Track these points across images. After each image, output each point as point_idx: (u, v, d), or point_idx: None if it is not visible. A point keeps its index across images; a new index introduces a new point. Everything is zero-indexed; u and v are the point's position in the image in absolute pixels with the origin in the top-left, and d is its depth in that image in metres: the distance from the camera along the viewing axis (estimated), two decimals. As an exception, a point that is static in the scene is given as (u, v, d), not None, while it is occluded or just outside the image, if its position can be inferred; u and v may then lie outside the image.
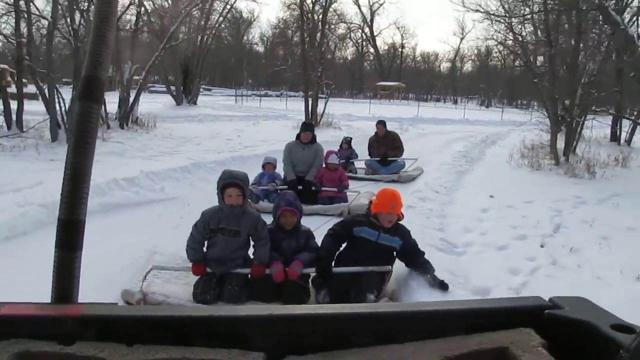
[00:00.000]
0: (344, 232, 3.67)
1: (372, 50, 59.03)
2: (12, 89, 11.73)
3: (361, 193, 6.45)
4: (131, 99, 13.04)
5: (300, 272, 3.48)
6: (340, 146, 9.12)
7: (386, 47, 60.08)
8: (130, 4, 14.94)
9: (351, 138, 9.41)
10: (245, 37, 51.44)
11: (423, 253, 3.72)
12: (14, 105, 10.31)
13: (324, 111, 16.45)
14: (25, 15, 9.87)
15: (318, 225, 4.04)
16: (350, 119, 20.01)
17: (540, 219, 5.43)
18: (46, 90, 9.86)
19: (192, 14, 17.61)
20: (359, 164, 8.87)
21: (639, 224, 5.12)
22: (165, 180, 6.80)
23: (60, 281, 0.78)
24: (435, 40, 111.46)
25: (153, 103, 20.08)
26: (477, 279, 3.83)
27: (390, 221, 3.56)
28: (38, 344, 0.67)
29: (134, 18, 16.07)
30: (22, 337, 0.67)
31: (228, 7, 21.91)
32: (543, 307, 0.79)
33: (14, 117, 10.25)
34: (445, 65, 62.65)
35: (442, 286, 3.55)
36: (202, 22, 20.58)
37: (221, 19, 22.92)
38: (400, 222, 3.69)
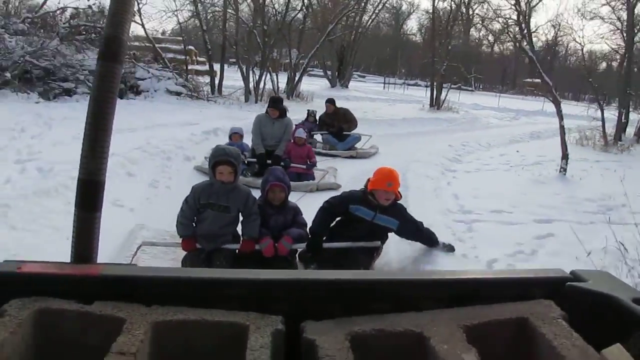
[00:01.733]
0: (339, 208, 3.73)
1: (526, 46, 58.35)
2: (195, 66, 18.03)
3: (328, 171, 6.84)
4: (296, 79, 18.23)
5: (289, 248, 3.60)
6: (306, 118, 9.61)
7: (541, 44, 58.92)
8: (303, 6, 20.13)
9: (315, 111, 9.84)
10: (403, 27, 55.12)
11: (421, 223, 3.82)
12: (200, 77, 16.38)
13: (445, 98, 20.03)
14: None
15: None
16: (475, 108, 23.10)
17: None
18: (244, 69, 15.57)
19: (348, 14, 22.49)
20: (317, 138, 9.29)
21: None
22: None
23: (80, 241, 0.81)
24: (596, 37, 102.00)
25: (311, 85, 25.45)
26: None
27: (387, 199, 3.61)
28: (58, 302, 0.71)
29: (300, 16, 21.35)
30: (42, 294, 0.71)
31: (380, 5, 26.43)
32: (564, 279, 0.82)
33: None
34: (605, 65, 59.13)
35: (450, 249, 3.84)
36: (357, 19, 25.42)
37: (374, 16, 27.50)
38: (397, 202, 3.72)
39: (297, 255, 3.80)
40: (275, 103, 7.07)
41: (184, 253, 3.58)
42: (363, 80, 43.75)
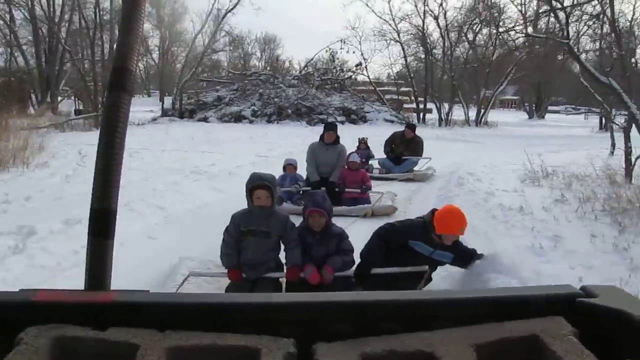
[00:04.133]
0: (397, 241, 3.67)
1: None
2: (409, 104, 24.01)
3: (384, 194, 6.79)
4: (482, 110, 23.12)
5: (331, 278, 3.59)
6: (358, 147, 9.71)
7: None
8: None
9: (367, 138, 10.04)
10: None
11: (474, 250, 3.77)
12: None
13: None
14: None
15: (342, 227, 3.88)
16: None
17: None
18: (440, 104, 21.33)
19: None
20: (374, 163, 9.53)
21: None
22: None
23: (93, 268, 0.83)
24: None
25: (508, 117, 29.61)
26: None
27: (453, 240, 3.59)
28: (73, 329, 0.72)
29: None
30: (57, 322, 0.73)
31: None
32: (574, 295, 0.81)
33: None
34: None
35: (480, 257, 3.73)
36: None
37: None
38: None
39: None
40: (331, 127, 7.18)
41: (227, 282, 3.68)
42: (558, 112, 44.64)
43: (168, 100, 26.31)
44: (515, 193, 6.70)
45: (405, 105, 25.07)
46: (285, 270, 3.69)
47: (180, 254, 4.28)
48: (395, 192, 7.14)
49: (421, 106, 22.80)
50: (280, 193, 6.11)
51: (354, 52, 22.16)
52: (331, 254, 3.68)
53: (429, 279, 3.70)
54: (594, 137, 19.48)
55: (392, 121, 19.56)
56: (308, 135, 15.59)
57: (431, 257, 3.62)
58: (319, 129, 16.23)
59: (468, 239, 4.11)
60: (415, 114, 22.52)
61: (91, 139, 12.95)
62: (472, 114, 22.89)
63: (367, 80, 22.68)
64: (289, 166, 6.99)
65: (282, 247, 3.77)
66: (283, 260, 3.78)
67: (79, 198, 5.88)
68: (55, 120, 17.14)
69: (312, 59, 23.03)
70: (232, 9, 22.26)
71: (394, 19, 22.56)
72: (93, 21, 20.16)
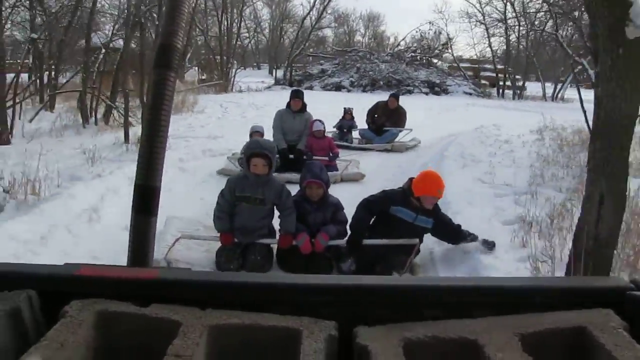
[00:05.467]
0: (379, 207, 3.90)
1: None
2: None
3: (350, 162, 7.14)
4: (560, 85, 25.38)
5: (326, 245, 3.78)
6: (343, 117, 9.75)
7: None
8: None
9: (352, 108, 9.97)
10: None
11: (458, 225, 3.99)
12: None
13: None
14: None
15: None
16: None
17: None
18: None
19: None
20: (354, 134, 9.63)
21: None
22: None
23: (137, 245, 0.87)
24: None
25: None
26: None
27: (432, 203, 3.83)
28: (115, 304, 0.74)
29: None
30: (100, 297, 0.75)
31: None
32: (624, 288, 0.80)
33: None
34: None
35: (490, 246, 3.91)
36: None
37: None
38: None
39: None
40: (298, 94, 7.36)
41: (217, 245, 3.79)
42: None
43: (278, 72, 31.33)
44: (517, 137, 10.10)
45: (485, 82, 27.87)
46: (278, 237, 3.85)
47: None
48: (360, 161, 7.53)
49: (501, 83, 25.50)
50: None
51: (440, 33, 25.29)
52: (328, 222, 3.89)
53: (418, 251, 3.86)
54: None
55: (470, 93, 22.78)
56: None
57: (414, 224, 3.82)
58: (406, 97, 20.03)
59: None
60: (495, 88, 25.34)
61: (225, 98, 17.85)
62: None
63: (454, 56, 25.91)
64: (256, 133, 6.87)
65: (276, 213, 3.91)
66: (276, 227, 3.93)
67: (230, 126, 10.67)
68: (188, 86, 22.25)
69: (404, 38, 26.82)
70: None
71: (480, 2, 25.44)
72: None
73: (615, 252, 3.19)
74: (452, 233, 3.98)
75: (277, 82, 26.50)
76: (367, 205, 3.89)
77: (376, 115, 9.67)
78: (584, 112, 7.43)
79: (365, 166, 7.39)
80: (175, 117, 11.00)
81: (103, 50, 10.97)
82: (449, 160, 7.58)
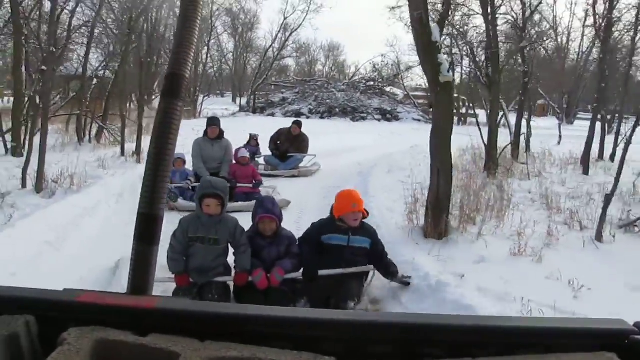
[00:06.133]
0: (313, 239, 4.06)
1: None
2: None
3: (274, 189, 7.45)
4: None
5: (281, 279, 3.83)
6: (248, 142, 9.76)
7: None
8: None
9: (257, 135, 10.21)
10: None
11: (387, 253, 4.15)
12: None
13: None
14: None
15: (237, 220, 4.05)
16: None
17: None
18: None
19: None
20: (260, 160, 9.78)
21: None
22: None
23: (138, 273, 0.87)
24: None
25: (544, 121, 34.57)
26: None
27: (355, 219, 3.96)
28: (114, 333, 0.74)
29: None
30: (99, 324, 0.75)
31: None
32: (627, 331, 0.80)
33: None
34: None
35: (407, 282, 4.10)
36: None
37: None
38: (364, 221, 4.11)
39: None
40: (214, 122, 7.49)
41: (174, 285, 3.79)
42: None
43: (242, 100, 33.61)
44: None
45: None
46: (233, 274, 3.88)
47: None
48: (277, 186, 7.76)
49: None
50: (171, 189, 6.54)
51: (391, 65, 28.18)
52: (283, 257, 3.94)
53: (371, 276, 4.03)
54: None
55: (419, 120, 25.45)
56: (349, 125, 21.98)
57: (350, 245, 3.96)
58: (360, 124, 22.46)
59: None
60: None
61: (195, 123, 19.82)
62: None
63: (404, 87, 28.79)
64: (178, 160, 7.10)
65: (231, 250, 3.94)
66: (231, 263, 3.96)
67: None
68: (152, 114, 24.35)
69: (358, 69, 29.72)
70: (296, 29, 29.22)
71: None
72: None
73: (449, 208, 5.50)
74: (380, 256, 4.10)
75: (242, 109, 28.74)
76: (305, 240, 4.08)
77: (279, 142, 10.01)
78: (480, 131, 9.95)
79: (286, 192, 7.57)
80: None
81: (95, 81, 12.94)
82: (378, 169, 9.90)
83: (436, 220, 5.15)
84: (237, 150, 7.59)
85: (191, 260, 3.83)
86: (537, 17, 20.79)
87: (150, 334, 0.76)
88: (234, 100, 39.53)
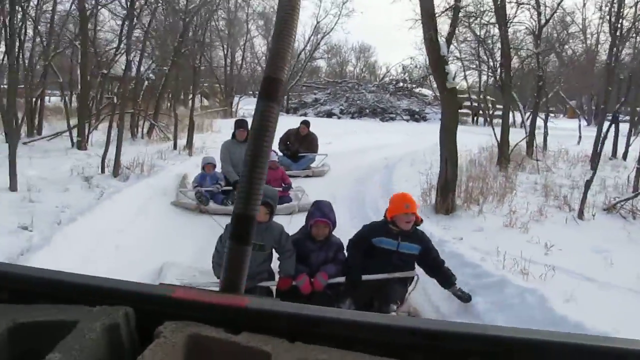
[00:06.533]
0: (363, 244, 4.06)
1: None
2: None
3: (304, 192, 7.49)
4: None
5: (325, 284, 3.90)
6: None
7: None
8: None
9: None
10: None
11: (443, 262, 4.12)
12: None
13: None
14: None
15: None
16: None
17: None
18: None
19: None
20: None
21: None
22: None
23: (231, 271, 0.88)
24: None
25: (570, 122, 35.20)
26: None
27: (408, 222, 3.94)
28: (207, 329, 0.76)
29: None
30: (193, 320, 0.77)
31: None
32: None
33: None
34: None
35: (465, 298, 4.05)
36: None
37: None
38: (418, 227, 4.10)
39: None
40: (242, 124, 7.48)
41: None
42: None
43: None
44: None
45: (467, 111, 31.73)
46: (277, 279, 3.96)
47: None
48: (304, 188, 7.76)
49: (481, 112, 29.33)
50: (202, 192, 6.80)
51: (420, 67, 29.16)
52: (329, 262, 4.02)
53: (415, 282, 4.07)
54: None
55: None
56: (378, 125, 23.23)
57: (399, 251, 3.97)
58: (388, 124, 23.60)
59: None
60: (470, 117, 29.19)
61: (232, 122, 21.38)
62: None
63: (432, 88, 29.86)
64: (208, 165, 7.32)
65: (275, 255, 4.03)
66: (274, 268, 4.05)
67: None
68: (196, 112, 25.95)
69: (388, 70, 30.98)
70: (328, 32, 30.56)
71: (457, 40, 29.48)
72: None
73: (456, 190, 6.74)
74: (435, 264, 4.10)
75: (276, 109, 30.21)
76: (352, 246, 4.08)
77: (289, 143, 10.14)
78: (493, 130, 11.10)
79: (312, 193, 7.67)
80: (201, 135, 14.47)
81: (146, 83, 14.52)
82: (402, 162, 11.15)
83: (444, 199, 6.40)
84: None
85: None
86: (567, 18, 21.67)
87: (242, 332, 0.77)
88: (266, 100, 40.91)
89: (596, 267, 4.93)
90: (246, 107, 29.19)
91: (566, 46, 25.30)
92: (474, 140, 17.69)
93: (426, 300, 4.38)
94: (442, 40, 6.12)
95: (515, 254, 4.99)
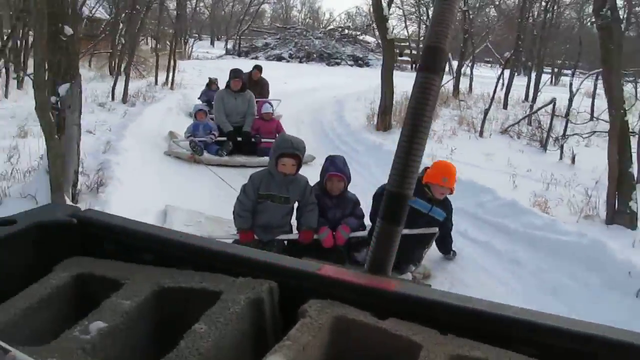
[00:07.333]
0: None
1: None
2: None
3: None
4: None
5: (347, 237, 3.86)
6: (208, 86, 10.04)
7: None
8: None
9: (217, 79, 10.15)
10: None
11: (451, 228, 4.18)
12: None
13: None
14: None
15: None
16: None
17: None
18: None
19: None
20: None
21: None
22: None
23: (378, 252, 0.84)
24: None
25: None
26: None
27: (442, 194, 3.91)
28: (353, 312, 0.74)
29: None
30: (337, 299, 0.75)
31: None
32: None
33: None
34: None
35: (450, 258, 4.23)
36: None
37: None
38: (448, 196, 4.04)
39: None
40: (237, 74, 7.34)
41: (229, 240, 3.68)
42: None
43: (218, 44, 36.57)
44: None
45: (406, 59, 34.35)
46: (298, 232, 3.90)
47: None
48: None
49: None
50: (196, 142, 6.71)
51: (365, 15, 31.55)
52: (346, 217, 3.98)
53: (431, 241, 3.99)
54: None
55: (387, 66, 29.24)
56: (325, 69, 25.49)
57: (430, 215, 3.90)
58: (334, 68, 25.86)
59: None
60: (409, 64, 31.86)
61: (190, 63, 23.17)
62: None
63: (375, 36, 32.24)
64: (200, 112, 7.23)
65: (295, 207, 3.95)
66: (292, 221, 3.99)
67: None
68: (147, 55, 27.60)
69: (334, 19, 33.04)
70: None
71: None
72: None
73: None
74: (446, 232, 4.13)
75: (228, 52, 31.80)
76: (377, 199, 3.94)
77: None
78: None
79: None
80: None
81: (121, 25, 16.11)
82: (349, 98, 13.68)
83: (383, 119, 8.94)
84: (260, 104, 7.54)
85: (258, 217, 3.84)
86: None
87: (388, 317, 0.73)
88: (212, 43, 42.07)
89: (482, 160, 7.61)
90: (199, 50, 30.69)
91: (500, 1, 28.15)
92: (408, 83, 20.34)
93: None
94: (385, 3, 8.50)
95: (430, 154, 7.59)
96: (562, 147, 8.25)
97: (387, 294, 0.76)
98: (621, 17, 5.26)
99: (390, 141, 8.32)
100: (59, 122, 4.26)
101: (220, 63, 24.82)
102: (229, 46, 34.53)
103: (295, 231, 3.98)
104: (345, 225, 3.89)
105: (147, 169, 5.94)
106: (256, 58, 28.71)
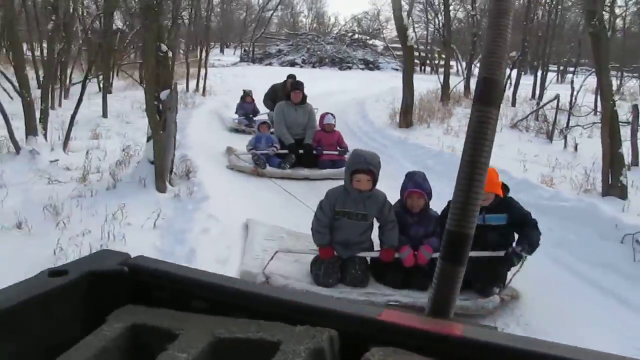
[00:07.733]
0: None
1: None
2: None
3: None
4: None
5: (429, 258, 3.72)
6: (243, 99, 10.15)
7: None
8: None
9: (251, 91, 10.23)
10: None
11: (535, 223, 3.85)
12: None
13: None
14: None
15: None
16: None
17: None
18: None
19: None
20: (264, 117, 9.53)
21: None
22: None
23: (441, 294, 0.81)
24: None
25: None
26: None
27: (484, 200, 3.58)
28: (417, 359, 0.70)
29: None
30: (399, 346, 0.72)
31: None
32: None
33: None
34: None
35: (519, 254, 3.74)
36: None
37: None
38: (505, 197, 3.86)
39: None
40: (298, 85, 7.45)
41: (308, 256, 3.85)
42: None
43: (227, 51, 38.00)
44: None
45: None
46: (379, 250, 3.85)
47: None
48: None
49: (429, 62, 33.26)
50: (259, 155, 6.76)
51: (371, 18, 33.03)
52: (429, 236, 3.86)
53: (520, 262, 3.72)
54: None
55: (397, 69, 30.24)
56: (338, 73, 26.63)
57: (485, 224, 3.71)
58: (346, 72, 27.07)
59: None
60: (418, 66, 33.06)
61: (208, 71, 24.43)
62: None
63: (385, 40, 33.54)
64: (263, 125, 7.33)
65: (376, 224, 3.91)
66: (374, 238, 3.95)
67: (234, 84, 17.15)
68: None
69: (345, 24, 34.47)
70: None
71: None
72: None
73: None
74: (522, 222, 3.88)
75: (242, 59, 33.09)
76: (445, 215, 3.78)
77: (276, 99, 9.47)
78: (439, 77, 14.79)
79: None
80: (194, 82, 17.58)
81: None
82: (369, 100, 14.77)
83: (405, 117, 10.06)
84: (323, 116, 7.47)
85: (336, 234, 3.84)
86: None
87: None
88: (221, 51, 43.33)
89: (495, 150, 8.58)
90: (214, 58, 31.99)
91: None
92: (422, 85, 21.60)
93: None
94: (404, 14, 9.66)
95: (448, 144, 8.73)
96: (565, 137, 9.33)
97: (454, 340, 0.73)
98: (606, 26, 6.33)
99: (413, 136, 9.46)
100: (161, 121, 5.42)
101: (236, 70, 26.10)
102: (238, 53, 35.93)
103: (377, 248, 3.97)
104: (428, 246, 3.81)
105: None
106: (270, 64, 30.03)
